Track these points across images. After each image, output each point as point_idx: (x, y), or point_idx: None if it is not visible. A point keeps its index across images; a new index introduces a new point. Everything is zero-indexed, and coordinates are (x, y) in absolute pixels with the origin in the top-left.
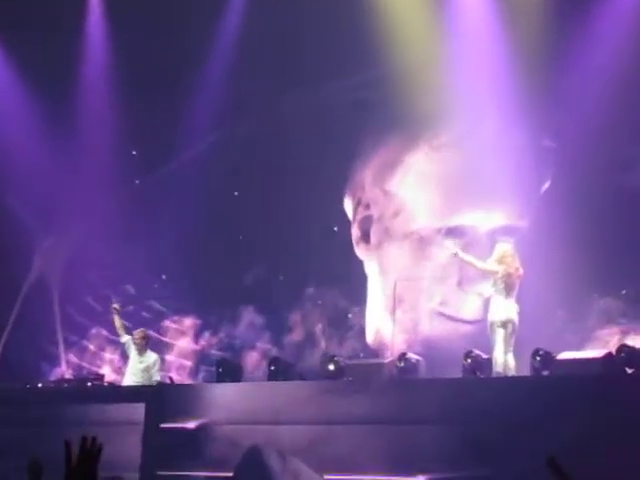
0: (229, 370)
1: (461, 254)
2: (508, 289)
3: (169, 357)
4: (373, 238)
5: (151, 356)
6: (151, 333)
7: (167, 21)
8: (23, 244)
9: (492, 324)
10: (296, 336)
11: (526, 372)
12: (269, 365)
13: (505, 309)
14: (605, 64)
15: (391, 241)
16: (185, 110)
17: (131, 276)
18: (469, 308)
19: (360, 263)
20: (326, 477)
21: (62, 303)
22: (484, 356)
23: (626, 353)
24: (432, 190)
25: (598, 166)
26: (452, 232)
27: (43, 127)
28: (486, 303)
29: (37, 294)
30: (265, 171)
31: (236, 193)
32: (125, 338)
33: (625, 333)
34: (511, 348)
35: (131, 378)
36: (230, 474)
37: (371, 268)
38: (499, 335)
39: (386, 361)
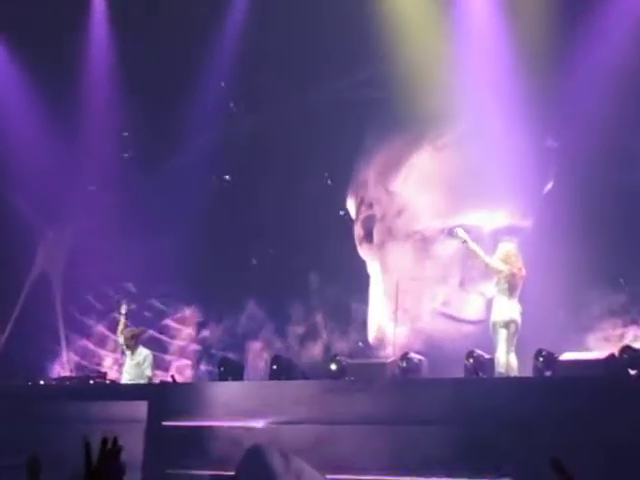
0: (231, 369)
1: (470, 243)
2: (511, 289)
3: (170, 357)
4: (376, 237)
5: (142, 352)
6: (152, 333)
7: (169, 20)
8: (26, 240)
9: (495, 324)
10: (298, 328)
11: (528, 373)
12: (271, 364)
13: (508, 309)
14: (608, 63)
15: (394, 241)
16: (188, 108)
17: (132, 274)
18: (471, 308)
19: (363, 261)
20: (328, 477)
21: (64, 300)
22: (486, 356)
23: (629, 354)
24: (435, 190)
25: (600, 165)
26: (450, 233)
27: (46, 125)
28: (488, 303)
29: (39, 290)
30: (268, 169)
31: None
32: (121, 338)
33: (626, 327)
34: (513, 348)
35: (125, 376)
36: (232, 473)
37: (374, 268)
38: (502, 335)
39: (388, 361)
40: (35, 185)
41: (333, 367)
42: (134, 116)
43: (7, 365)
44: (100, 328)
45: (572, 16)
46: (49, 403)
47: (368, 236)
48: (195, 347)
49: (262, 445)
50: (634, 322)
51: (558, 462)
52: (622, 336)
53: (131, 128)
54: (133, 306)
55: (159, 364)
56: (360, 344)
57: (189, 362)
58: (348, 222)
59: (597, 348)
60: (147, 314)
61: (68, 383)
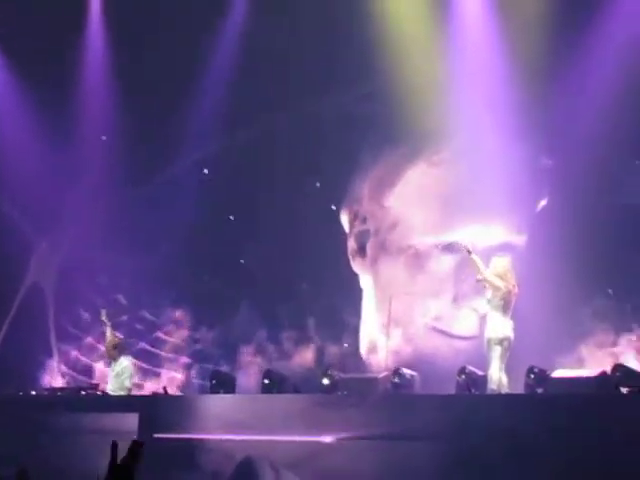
0: (223, 382)
1: (474, 254)
2: (506, 306)
3: (161, 369)
4: (369, 252)
5: (122, 363)
6: (143, 345)
7: (167, 33)
8: (20, 250)
9: (489, 341)
10: (291, 334)
11: (520, 390)
12: (263, 378)
13: (502, 326)
14: (603, 81)
15: (387, 255)
16: (182, 121)
17: (122, 285)
18: (464, 324)
19: (355, 275)
20: None
21: (56, 311)
22: (479, 373)
23: (621, 372)
24: (429, 205)
25: (593, 183)
26: (449, 247)
27: (40, 133)
28: (480, 319)
29: (32, 300)
30: (263, 183)
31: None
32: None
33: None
34: (504, 365)
35: (108, 387)
36: None
37: (366, 282)
38: (496, 352)
39: (380, 376)
40: (28, 195)
41: (325, 381)
42: (127, 126)
43: None
44: (90, 339)
45: (567, 35)
46: (41, 413)
47: (361, 250)
48: (187, 360)
49: (253, 458)
50: (626, 330)
51: None
52: (614, 343)
53: (124, 138)
54: (124, 317)
55: (151, 376)
56: (345, 345)
57: (180, 375)
58: (342, 235)
59: (590, 358)
60: (138, 326)
61: (60, 394)
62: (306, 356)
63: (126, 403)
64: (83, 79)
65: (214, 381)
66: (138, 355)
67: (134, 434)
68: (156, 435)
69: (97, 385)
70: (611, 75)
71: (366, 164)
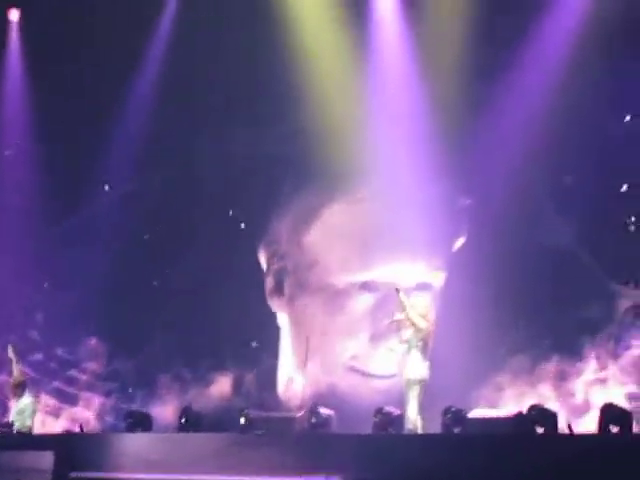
0: (139, 420)
1: (402, 293)
2: (425, 346)
3: (75, 408)
4: (287, 290)
5: (24, 400)
6: (57, 384)
7: (86, 71)
8: None
9: (408, 381)
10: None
11: (436, 429)
12: (180, 417)
13: (422, 366)
14: (519, 119)
15: (305, 294)
16: (99, 159)
17: (36, 322)
18: (380, 363)
19: (273, 314)
20: None
21: None
22: (396, 412)
23: (537, 412)
24: (347, 244)
25: (511, 223)
26: (366, 286)
27: None
28: (396, 358)
29: None
30: (180, 220)
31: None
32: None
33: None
34: (419, 405)
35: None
36: None
37: (284, 320)
38: (414, 392)
39: (297, 415)
40: None
41: (242, 421)
42: (41, 164)
43: None
44: (3, 376)
45: (489, 72)
46: None
47: (279, 288)
48: (101, 399)
49: None
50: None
51: None
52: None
53: (38, 176)
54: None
55: (64, 414)
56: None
57: (94, 413)
58: (260, 272)
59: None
60: (52, 364)
61: None
62: (223, 386)
63: (41, 441)
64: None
65: (130, 419)
66: (52, 393)
67: (49, 473)
68: (72, 474)
69: (12, 423)
70: (528, 111)
71: (285, 202)
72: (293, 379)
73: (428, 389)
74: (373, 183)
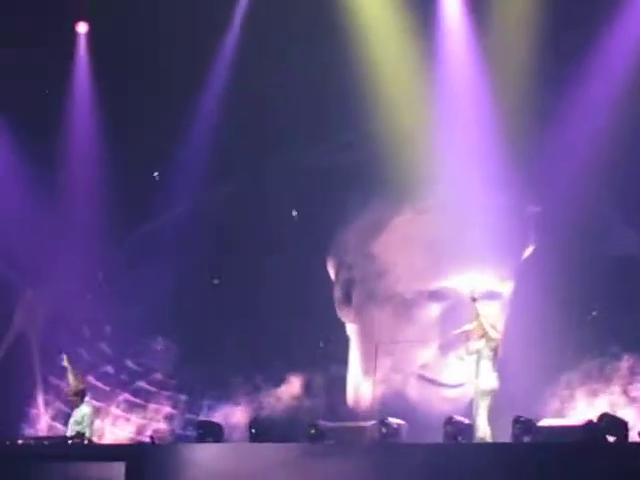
0: (210, 431)
1: (479, 304)
2: (495, 356)
3: (145, 419)
4: (355, 300)
5: (82, 410)
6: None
7: (153, 82)
8: (4, 298)
9: (481, 391)
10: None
11: (504, 439)
12: (250, 427)
13: (493, 377)
14: (589, 130)
15: (373, 303)
16: (168, 172)
17: (106, 334)
18: (450, 372)
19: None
20: None
21: (42, 360)
22: (466, 422)
23: (607, 421)
24: (415, 253)
25: (580, 231)
26: (435, 296)
27: (28, 183)
28: (467, 367)
29: (17, 350)
30: (247, 235)
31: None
32: None
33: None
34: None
35: (67, 433)
36: None
37: (353, 330)
38: (485, 402)
39: (367, 425)
40: (14, 243)
41: (312, 431)
42: (109, 179)
43: None
44: None
45: (558, 80)
46: (26, 463)
47: (347, 299)
48: (170, 410)
49: None
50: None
51: None
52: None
53: (107, 192)
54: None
55: (134, 424)
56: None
57: (164, 423)
58: (329, 284)
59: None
60: (122, 376)
61: (46, 443)
62: (294, 387)
63: (113, 452)
64: (70, 129)
65: (201, 430)
66: (123, 404)
67: None
68: None
69: (84, 434)
70: (599, 122)
71: (352, 212)
72: (362, 388)
73: (496, 399)
74: (441, 192)
